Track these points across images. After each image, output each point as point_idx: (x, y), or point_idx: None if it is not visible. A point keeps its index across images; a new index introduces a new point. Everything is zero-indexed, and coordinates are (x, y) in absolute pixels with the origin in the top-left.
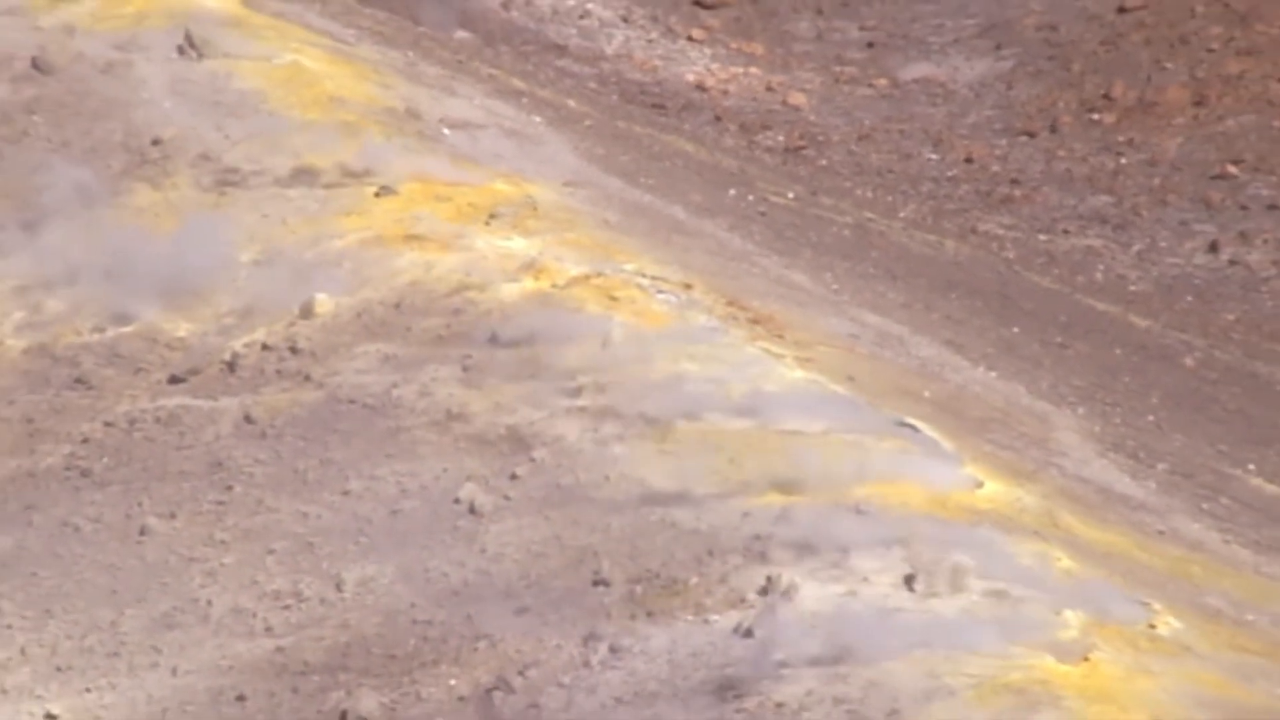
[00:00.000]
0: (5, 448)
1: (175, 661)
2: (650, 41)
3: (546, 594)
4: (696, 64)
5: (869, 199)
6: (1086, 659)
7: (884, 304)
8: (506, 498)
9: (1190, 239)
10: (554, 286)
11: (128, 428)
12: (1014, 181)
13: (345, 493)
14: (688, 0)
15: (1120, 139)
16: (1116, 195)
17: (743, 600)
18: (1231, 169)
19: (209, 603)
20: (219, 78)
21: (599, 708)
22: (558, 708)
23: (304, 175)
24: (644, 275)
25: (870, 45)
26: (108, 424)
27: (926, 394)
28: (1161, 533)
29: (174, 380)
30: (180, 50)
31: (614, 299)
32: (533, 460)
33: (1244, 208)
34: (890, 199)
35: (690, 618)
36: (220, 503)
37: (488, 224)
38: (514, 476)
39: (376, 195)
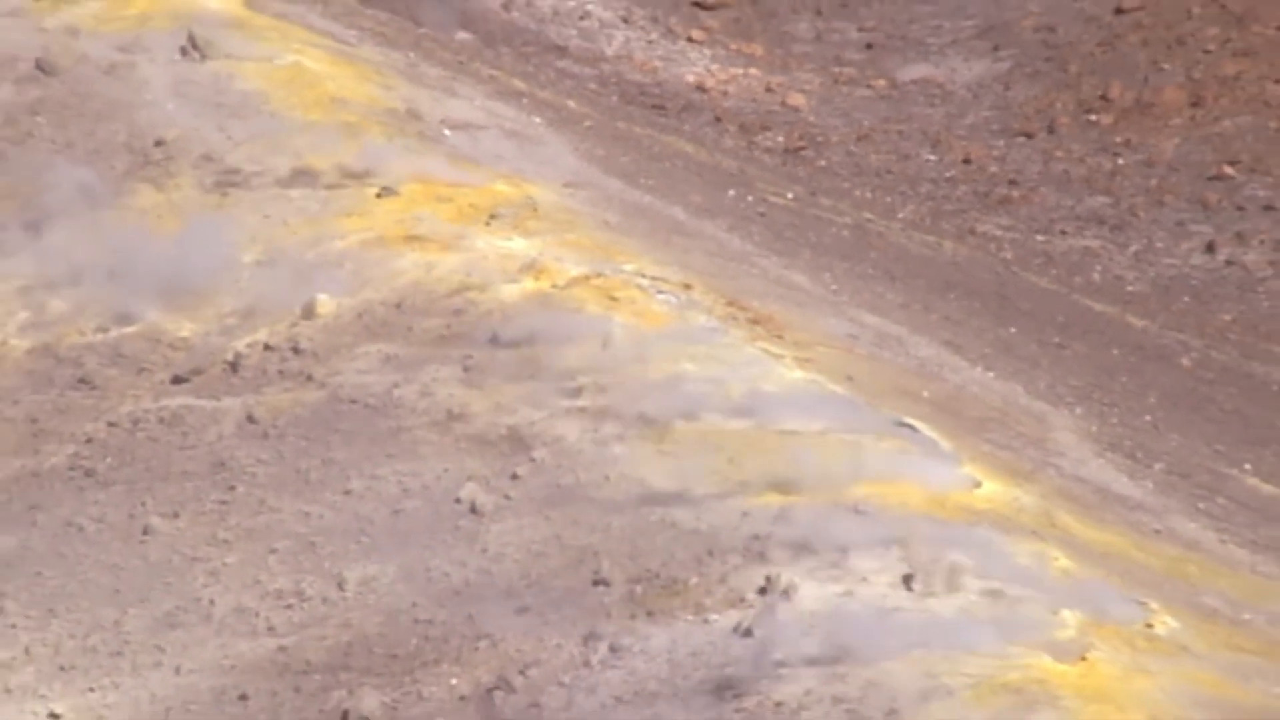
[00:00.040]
0: (9, 448)
1: (178, 661)
2: (650, 42)
3: (547, 593)
4: (696, 65)
5: (868, 200)
6: (1084, 658)
7: (882, 304)
8: (507, 497)
9: (1187, 240)
10: (554, 287)
11: (131, 428)
12: (1012, 182)
13: (347, 492)
14: (687, 1)
15: (1117, 140)
16: (1114, 196)
17: (742, 600)
18: (1228, 170)
19: (212, 602)
20: (221, 79)
21: (599, 707)
22: (558, 707)
23: (305, 176)
24: (644, 276)
25: (869, 46)
26: (111, 424)
27: (925, 394)
28: (1158, 532)
29: (177, 380)
30: (183, 51)
31: (614, 299)
32: (533, 460)
33: (1240, 208)
34: (889, 200)
35: (690, 617)
36: (223, 502)
37: (488, 225)
38: (515, 476)
39: (378, 196)
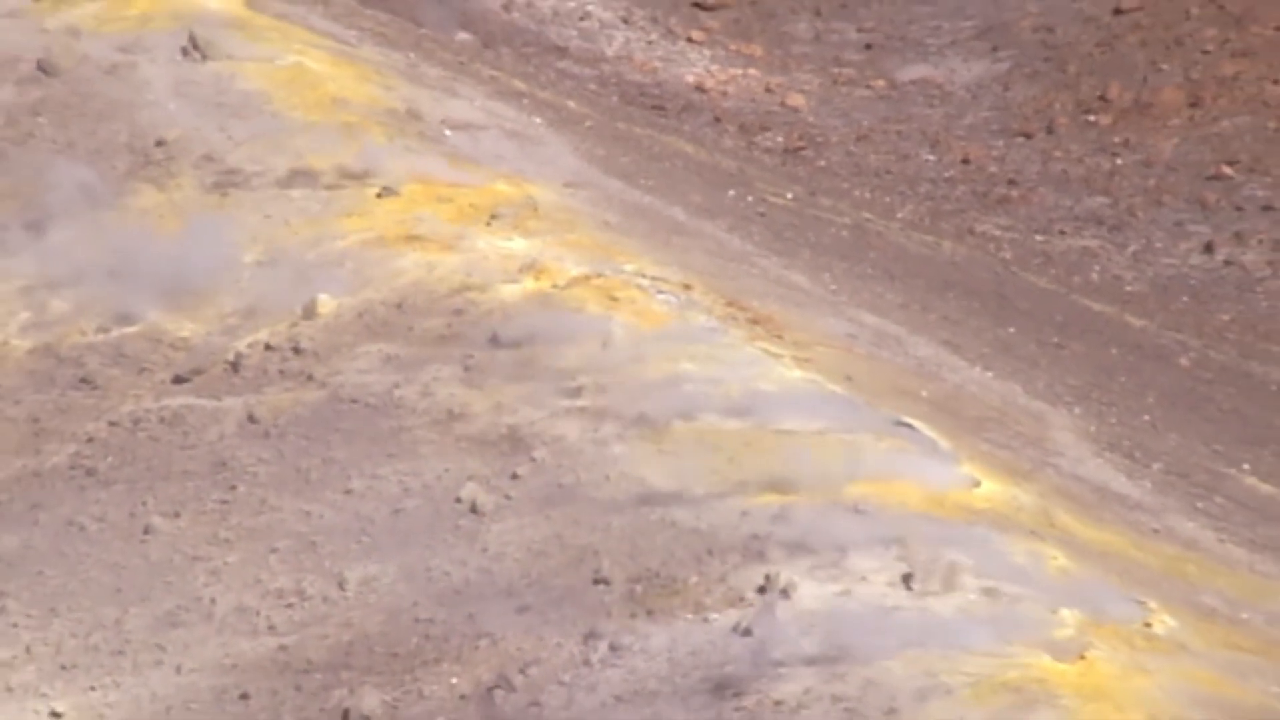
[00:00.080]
0: (11, 447)
1: (179, 660)
2: (650, 43)
3: (547, 593)
4: (696, 65)
5: (867, 200)
6: (1082, 657)
7: (882, 304)
8: (507, 497)
9: (1185, 240)
10: (554, 287)
11: (132, 427)
12: (1011, 182)
13: (348, 492)
14: (687, 2)
15: (1116, 140)
16: (1112, 196)
17: (741, 599)
18: (1226, 170)
19: (213, 601)
20: (222, 79)
21: (599, 706)
22: (558, 705)
23: (306, 176)
24: (644, 276)
25: (868, 47)
26: (112, 424)
27: (924, 393)
28: (1157, 532)
29: (178, 380)
30: (184, 52)
31: (614, 299)
32: (533, 460)
33: (1239, 208)
34: (888, 200)
35: (689, 616)
36: (224, 502)
37: (489, 225)
38: (515, 476)
39: (378, 196)
